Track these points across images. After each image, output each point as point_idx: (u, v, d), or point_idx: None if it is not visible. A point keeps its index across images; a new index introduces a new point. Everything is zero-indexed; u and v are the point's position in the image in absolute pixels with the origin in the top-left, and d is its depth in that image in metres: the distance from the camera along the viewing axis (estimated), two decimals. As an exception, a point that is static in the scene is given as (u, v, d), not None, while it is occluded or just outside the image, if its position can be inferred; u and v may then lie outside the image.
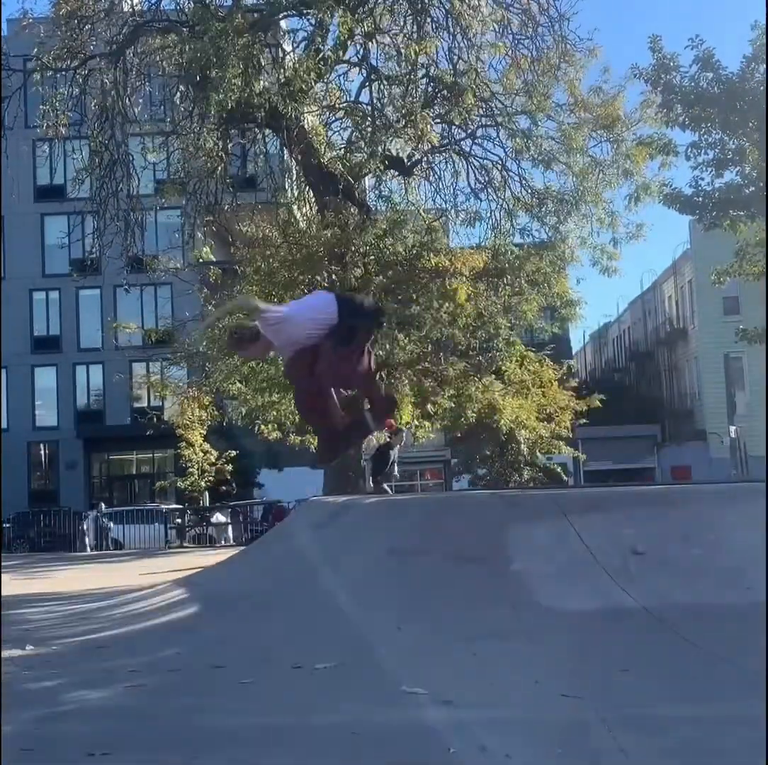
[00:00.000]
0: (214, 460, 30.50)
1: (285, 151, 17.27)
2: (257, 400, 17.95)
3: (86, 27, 15.99)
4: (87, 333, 39.90)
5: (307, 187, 17.72)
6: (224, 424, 23.98)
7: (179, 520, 28.33)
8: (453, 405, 18.32)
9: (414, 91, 16.11)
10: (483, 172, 17.55)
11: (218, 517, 29.74)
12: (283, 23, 17.18)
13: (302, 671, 4.85)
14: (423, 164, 17.77)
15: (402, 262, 16.55)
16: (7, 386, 40.06)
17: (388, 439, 16.49)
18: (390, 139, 16.37)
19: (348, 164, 16.55)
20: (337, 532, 7.39)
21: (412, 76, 15.75)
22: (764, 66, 15.83)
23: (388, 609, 5.66)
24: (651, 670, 4.49)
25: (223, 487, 28.92)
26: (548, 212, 17.45)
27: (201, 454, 30.29)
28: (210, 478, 30.72)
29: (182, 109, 16.22)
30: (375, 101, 16.74)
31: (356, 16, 15.04)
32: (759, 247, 18.20)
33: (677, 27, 63.52)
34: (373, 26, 15.40)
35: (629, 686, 4.28)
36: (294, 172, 17.79)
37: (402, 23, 15.96)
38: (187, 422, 27.74)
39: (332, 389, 6.53)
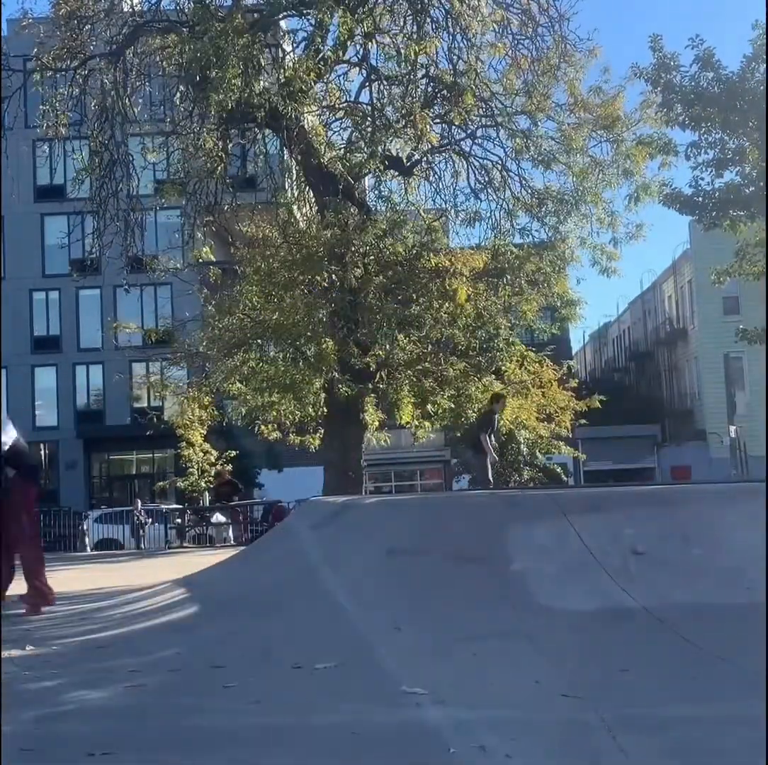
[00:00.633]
0: (214, 460, 30.49)
1: (285, 151, 17.26)
2: (257, 400, 17.95)
3: (86, 27, 15.98)
4: (87, 333, 39.94)
5: (307, 187, 17.72)
6: (224, 424, 23.98)
7: (179, 521, 28.33)
8: (453, 405, 18.31)
9: (414, 91, 16.11)
10: (483, 173, 17.55)
11: (218, 517, 29.72)
12: (282, 23, 17.18)
13: (302, 671, 4.85)
14: (423, 164, 17.76)
15: (402, 262, 16.55)
16: (7, 386, 40.06)
17: (491, 408, 15.76)
18: (390, 139, 16.37)
19: (348, 164, 16.54)
20: (337, 532, 7.39)
21: (411, 77, 15.75)
22: (764, 65, 15.84)
23: (387, 609, 5.66)
24: (651, 670, 4.49)
25: (229, 486, 28.89)
26: (548, 212, 17.45)
27: (201, 454, 30.30)
28: (210, 478, 30.71)
29: (182, 109, 16.21)
30: (375, 101, 16.75)
31: (356, 16, 15.04)
32: (759, 247, 18.21)
33: (678, 27, 63.73)
34: (372, 26, 15.39)
35: (629, 686, 4.28)
36: (294, 172, 17.79)
37: (402, 23, 15.96)
38: (187, 422, 27.74)
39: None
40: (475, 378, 18.15)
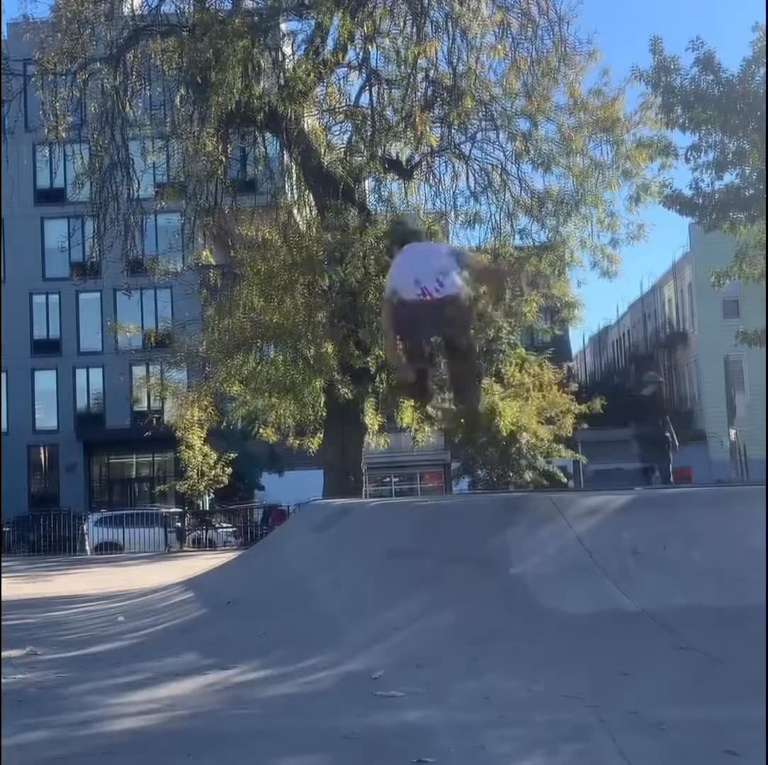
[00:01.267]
0: (213, 463, 30.51)
1: (285, 154, 17.28)
2: (257, 402, 17.95)
3: (86, 30, 15.99)
4: (87, 336, 39.93)
5: (307, 190, 17.73)
6: (223, 426, 23.98)
7: (179, 524, 28.34)
8: (453, 407, 18.31)
9: (414, 93, 16.12)
10: (483, 175, 17.56)
11: (218, 520, 29.77)
12: (282, 26, 17.20)
13: (301, 673, 4.85)
14: (423, 166, 17.78)
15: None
16: (8, 389, 40.08)
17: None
18: (390, 141, 16.38)
19: (348, 166, 16.55)
20: (337, 534, 7.38)
21: (411, 79, 15.76)
22: (764, 68, 15.86)
23: (387, 611, 5.66)
24: (651, 672, 4.49)
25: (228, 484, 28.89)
26: (548, 214, 17.45)
27: (201, 457, 30.30)
28: (210, 481, 30.73)
29: (182, 111, 16.23)
30: (375, 104, 16.76)
31: (356, 18, 15.05)
32: (759, 248, 18.21)
33: (679, 29, 63.87)
34: (372, 29, 15.41)
35: (629, 688, 4.28)
36: (294, 174, 17.80)
37: (402, 26, 15.97)
38: (187, 423, 27.74)
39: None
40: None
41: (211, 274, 18.37)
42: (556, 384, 23.24)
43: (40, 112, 16.38)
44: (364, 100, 17.09)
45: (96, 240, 16.87)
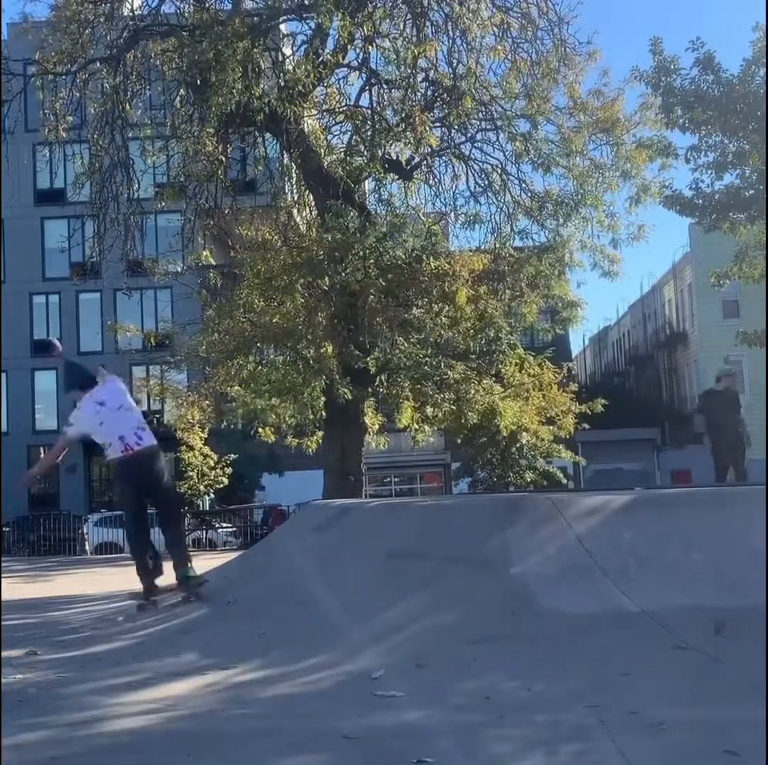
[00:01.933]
0: (214, 464, 30.49)
1: (285, 155, 17.28)
2: (257, 403, 17.94)
3: (86, 31, 15.99)
4: (87, 336, 39.92)
5: (307, 191, 17.73)
6: (223, 427, 23.96)
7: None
8: (453, 408, 18.31)
9: (413, 94, 16.12)
10: (483, 176, 17.56)
11: (218, 520, 29.76)
12: (282, 27, 17.19)
13: (301, 673, 4.85)
14: (423, 168, 17.78)
15: (402, 265, 16.55)
16: (7, 389, 40.07)
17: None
18: (390, 142, 16.38)
19: (348, 168, 16.55)
20: (337, 535, 7.38)
21: (411, 80, 15.76)
22: (764, 68, 15.85)
23: (387, 611, 5.66)
24: (651, 672, 4.49)
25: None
26: (548, 215, 17.45)
27: (201, 458, 30.28)
28: (210, 481, 30.71)
29: (182, 112, 16.23)
30: (375, 105, 16.76)
31: (356, 19, 15.05)
32: (758, 249, 18.21)
33: (679, 29, 63.76)
34: (372, 30, 15.41)
35: (629, 688, 4.28)
36: (294, 175, 17.80)
37: (401, 27, 15.97)
38: (187, 424, 27.70)
39: None
40: (476, 381, 18.16)
41: (211, 275, 18.37)
42: (556, 384, 23.22)
43: (40, 112, 16.38)
44: (364, 101, 17.10)
45: (96, 240, 16.87)
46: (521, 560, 5.84)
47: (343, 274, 15.75)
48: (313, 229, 17.32)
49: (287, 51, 16.95)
